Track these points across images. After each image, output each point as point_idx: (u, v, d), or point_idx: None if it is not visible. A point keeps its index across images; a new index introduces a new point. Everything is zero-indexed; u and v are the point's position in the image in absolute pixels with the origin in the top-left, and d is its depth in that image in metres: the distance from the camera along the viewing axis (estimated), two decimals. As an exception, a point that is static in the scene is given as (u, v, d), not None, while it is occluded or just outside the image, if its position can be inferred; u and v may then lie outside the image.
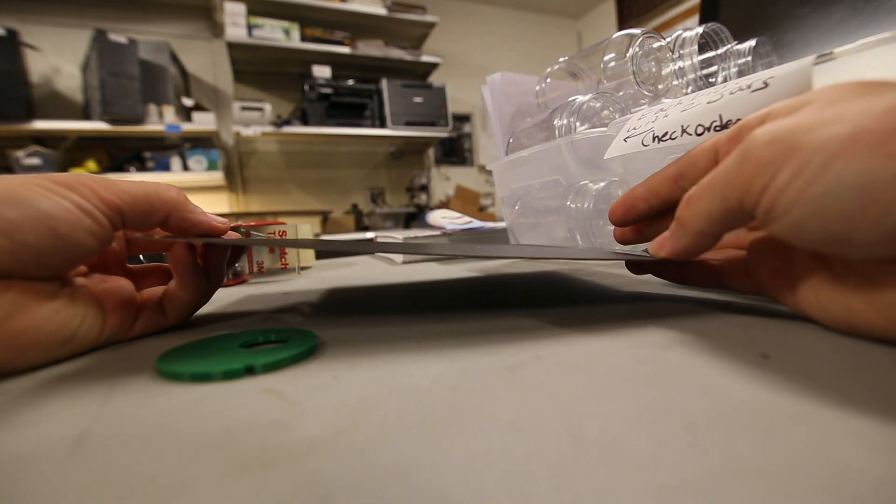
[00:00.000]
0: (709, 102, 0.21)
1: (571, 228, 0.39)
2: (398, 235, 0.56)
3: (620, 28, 3.19)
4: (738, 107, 0.20)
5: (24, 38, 1.80)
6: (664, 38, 0.40)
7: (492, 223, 0.62)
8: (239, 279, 0.44)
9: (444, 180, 2.98)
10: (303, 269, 0.55)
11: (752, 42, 0.39)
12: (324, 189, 2.63)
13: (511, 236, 0.50)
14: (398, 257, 0.55)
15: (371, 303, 0.29)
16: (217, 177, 2.14)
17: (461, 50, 3.03)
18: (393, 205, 2.71)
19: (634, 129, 0.27)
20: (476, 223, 0.59)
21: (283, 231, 0.46)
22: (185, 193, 0.22)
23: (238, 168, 2.42)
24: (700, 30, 0.38)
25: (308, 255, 0.57)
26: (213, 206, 2.30)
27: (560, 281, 0.33)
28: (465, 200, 2.55)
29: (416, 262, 0.54)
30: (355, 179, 2.70)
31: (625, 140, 0.27)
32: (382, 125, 2.35)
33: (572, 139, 0.36)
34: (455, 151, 3.08)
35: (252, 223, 0.45)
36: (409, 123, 2.37)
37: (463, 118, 3.07)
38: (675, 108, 0.25)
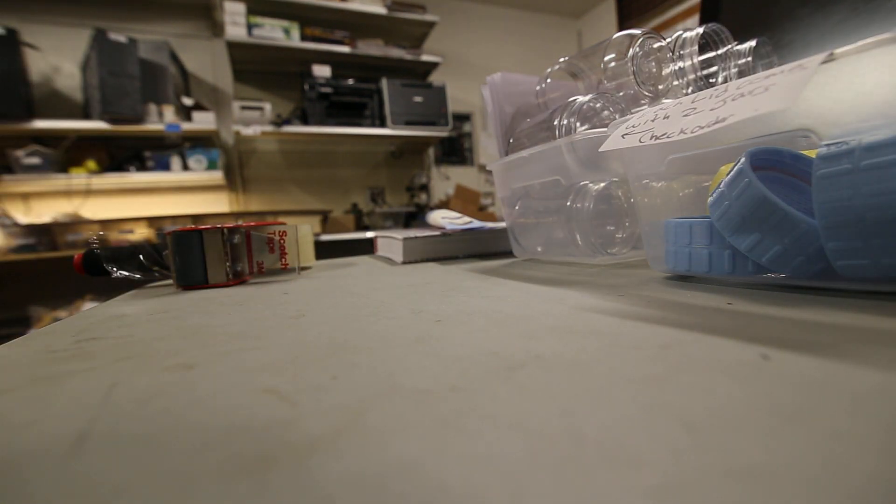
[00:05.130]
0: (711, 110, 0.21)
1: (571, 229, 0.39)
2: (398, 235, 0.56)
3: (620, 27, 3.18)
4: (739, 110, 0.20)
5: (24, 38, 1.80)
6: (664, 39, 0.40)
7: (492, 223, 0.62)
8: (239, 279, 0.44)
9: (444, 180, 2.98)
10: (303, 269, 0.55)
11: (753, 42, 0.39)
12: (324, 188, 2.62)
13: (511, 236, 0.50)
14: (398, 257, 0.55)
15: (369, 304, 0.29)
16: (217, 176, 2.14)
17: (461, 49, 3.02)
18: (393, 204, 2.71)
19: (633, 126, 0.27)
20: (476, 223, 0.59)
21: (284, 231, 0.46)
22: None
23: (238, 167, 2.42)
24: (700, 30, 0.38)
25: (308, 255, 0.57)
26: (214, 205, 2.30)
27: (559, 281, 0.33)
28: (465, 200, 2.55)
29: (416, 261, 0.54)
30: (355, 179, 2.70)
31: (622, 136, 0.27)
32: (382, 125, 2.35)
33: (572, 139, 0.36)
34: (455, 151, 3.07)
35: (252, 223, 0.45)
36: (409, 123, 2.37)
37: (463, 118, 3.06)
38: (676, 110, 0.25)
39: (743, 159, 0.22)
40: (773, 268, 0.22)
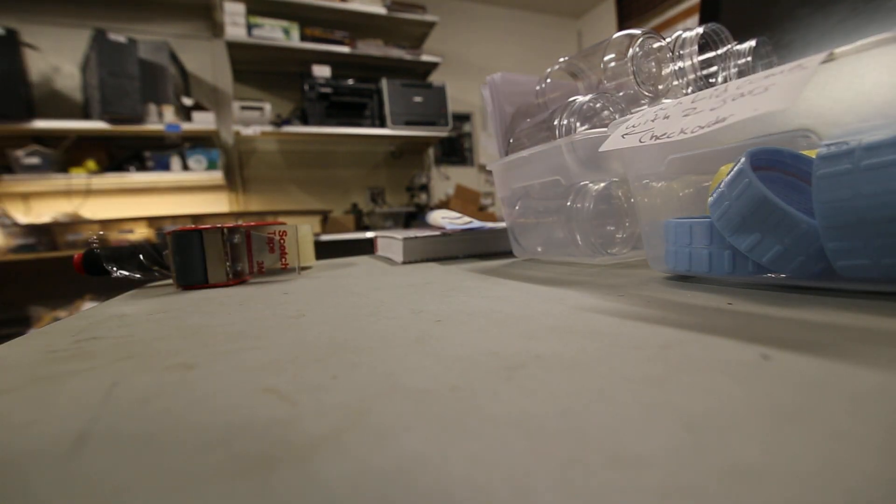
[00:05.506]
0: (711, 110, 0.21)
1: (571, 229, 0.39)
2: (398, 235, 0.56)
3: (620, 27, 3.18)
4: (739, 110, 0.20)
5: (24, 38, 1.80)
6: (664, 39, 0.40)
7: (492, 223, 0.62)
8: (239, 279, 0.44)
9: (444, 180, 2.98)
10: (303, 268, 0.55)
11: (753, 42, 0.39)
12: (324, 189, 2.62)
13: (511, 236, 0.50)
14: (398, 257, 0.55)
15: (369, 304, 0.29)
16: (217, 176, 2.14)
17: (461, 50, 3.02)
18: (393, 204, 2.71)
19: (634, 126, 0.27)
20: (476, 223, 0.59)
21: (284, 231, 0.46)
22: None
23: (238, 167, 2.42)
24: (700, 30, 0.38)
25: (308, 255, 0.57)
26: (213, 205, 2.30)
27: (559, 282, 0.33)
28: (465, 200, 2.55)
29: (416, 261, 0.54)
30: (355, 179, 2.70)
31: (622, 136, 0.27)
32: (382, 125, 2.35)
33: (572, 139, 0.36)
34: (455, 151, 3.07)
35: (252, 223, 0.45)
36: (408, 123, 2.37)
37: (463, 118, 3.06)
38: (676, 110, 0.25)
39: (743, 159, 0.22)
40: (773, 268, 0.22)
